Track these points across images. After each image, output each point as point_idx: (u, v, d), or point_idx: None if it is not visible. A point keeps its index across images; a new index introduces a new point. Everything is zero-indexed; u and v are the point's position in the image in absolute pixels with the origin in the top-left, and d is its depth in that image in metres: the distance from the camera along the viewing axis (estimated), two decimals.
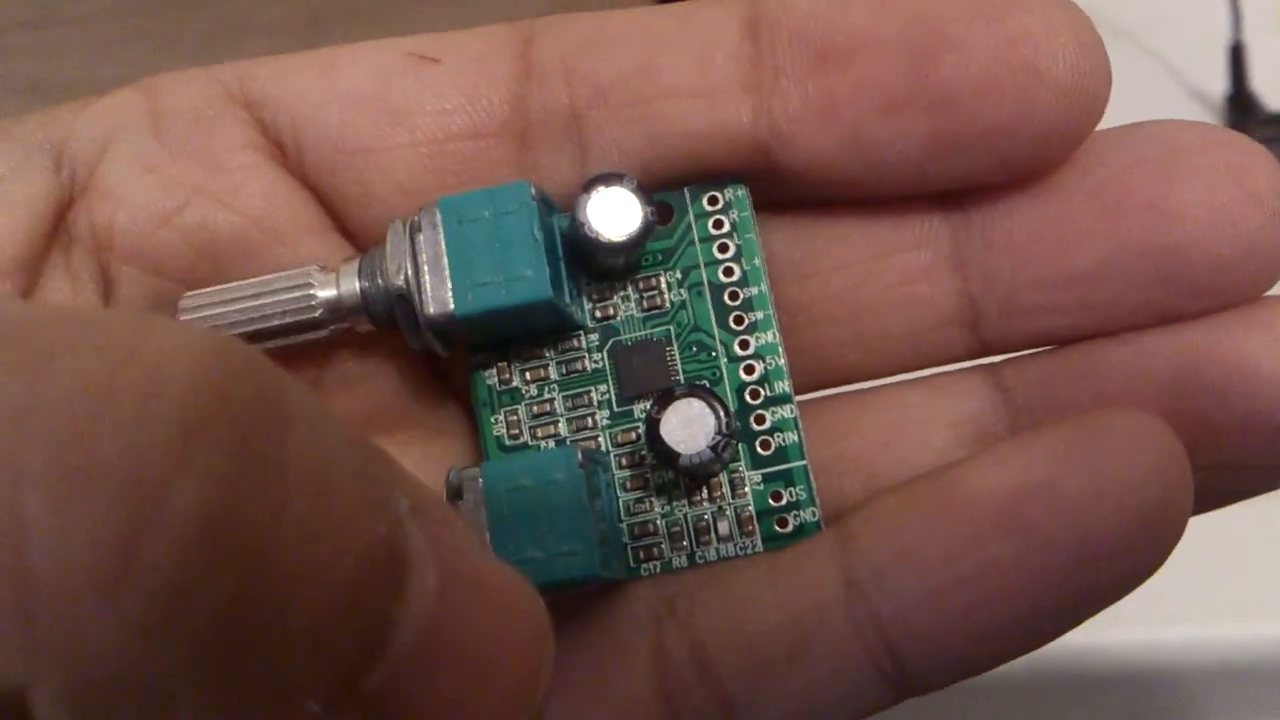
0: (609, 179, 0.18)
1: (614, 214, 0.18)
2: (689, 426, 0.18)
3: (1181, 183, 0.18)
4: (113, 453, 0.11)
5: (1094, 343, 0.18)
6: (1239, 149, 0.18)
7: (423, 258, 0.18)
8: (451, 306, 0.18)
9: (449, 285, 0.18)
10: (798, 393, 0.19)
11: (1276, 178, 0.17)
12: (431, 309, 0.18)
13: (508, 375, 0.19)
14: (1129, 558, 0.17)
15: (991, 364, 0.19)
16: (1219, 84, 0.43)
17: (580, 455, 0.17)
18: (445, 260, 0.18)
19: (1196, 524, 0.18)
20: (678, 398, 0.18)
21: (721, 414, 0.18)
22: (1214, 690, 0.32)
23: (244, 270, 0.19)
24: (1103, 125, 0.19)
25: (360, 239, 0.19)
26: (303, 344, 0.19)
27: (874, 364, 0.20)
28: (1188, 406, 0.17)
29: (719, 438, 0.17)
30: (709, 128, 0.19)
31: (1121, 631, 0.32)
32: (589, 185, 0.18)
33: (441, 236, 0.18)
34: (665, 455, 0.18)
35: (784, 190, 0.19)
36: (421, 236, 0.18)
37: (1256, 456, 0.18)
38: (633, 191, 0.18)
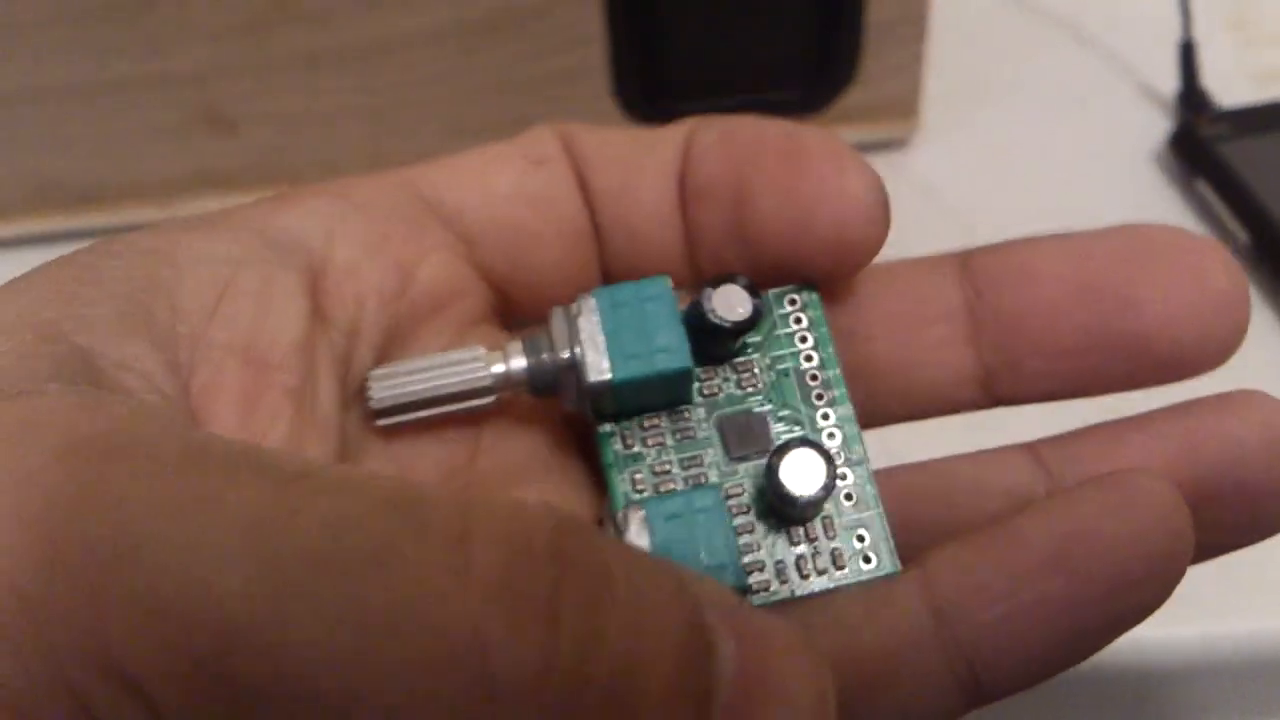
0: (728, 277, 0.23)
1: (731, 303, 0.22)
2: (804, 471, 0.21)
3: (1147, 280, 0.23)
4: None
5: (1115, 425, 0.23)
6: (1199, 251, 0.23)
7: (583, 335, 0.22)
8: (609, 375, 0.22)
9: (606, 357, 0.22)
10: None
11: (1231, 273, 0.23)
12: (592, 377, 0.22)
13: (630, 441, 0.23)
14: (1149, 589, 0.21)
15: (1029, 443, 0.24)
16: (1170, 82, 0.44)
17: (720, 492, 0.21)
18: (601, 338, 0.22)
19: None
20: (793, 448, 0.22)
21: (827, 463, 0.22)
22: (1210, 688, 0.34)
23: (421, 341, 0.22)
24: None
25: (513, 319, 0.23)
26: (469, 410, 0.22)
27: (909, 412, 0.24)
28: (1192, 476, 0.22)
29: (830, 479, 0.21)
30: None
31: None
32: (713, 282, 0.23)
33: (598, 318, 0.22)
34: (785, 497, 0.21)
35: None
36: (581, 319, 0.22)
37: (1242, 518, 0.22)
38: (745, 287, 0.23)
